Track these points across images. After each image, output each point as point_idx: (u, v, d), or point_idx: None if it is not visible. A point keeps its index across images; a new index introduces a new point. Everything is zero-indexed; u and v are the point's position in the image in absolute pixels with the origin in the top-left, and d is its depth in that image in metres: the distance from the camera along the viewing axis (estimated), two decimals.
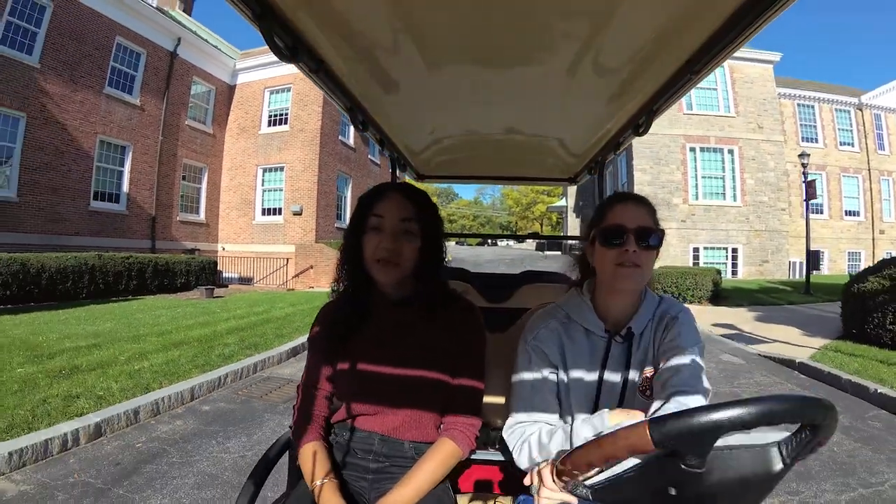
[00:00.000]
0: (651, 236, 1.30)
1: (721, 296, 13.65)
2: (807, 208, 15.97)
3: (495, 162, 2.72)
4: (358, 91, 1.63)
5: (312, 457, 1.35)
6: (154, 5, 18.17)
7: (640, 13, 1.08)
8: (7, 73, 13.25)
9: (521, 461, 1.30)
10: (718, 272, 14.26)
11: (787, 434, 0.83)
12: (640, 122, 1.73)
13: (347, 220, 1.64)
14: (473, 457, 1.67)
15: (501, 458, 1.75)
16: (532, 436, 1.28)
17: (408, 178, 2.92)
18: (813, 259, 14.93)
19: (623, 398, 1.33)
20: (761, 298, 13.50)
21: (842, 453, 3.77)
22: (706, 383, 1.23)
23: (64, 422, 3.81)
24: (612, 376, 1.34)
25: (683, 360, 1.26)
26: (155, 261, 14.12)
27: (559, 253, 34.08)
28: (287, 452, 1.55)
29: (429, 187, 71.72)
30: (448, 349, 1.45)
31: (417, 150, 2.44)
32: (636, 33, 1.17)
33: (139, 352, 6.01)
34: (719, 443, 0.76)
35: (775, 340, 8.13)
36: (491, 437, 1.82)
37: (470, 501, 1.67)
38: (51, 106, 14.36)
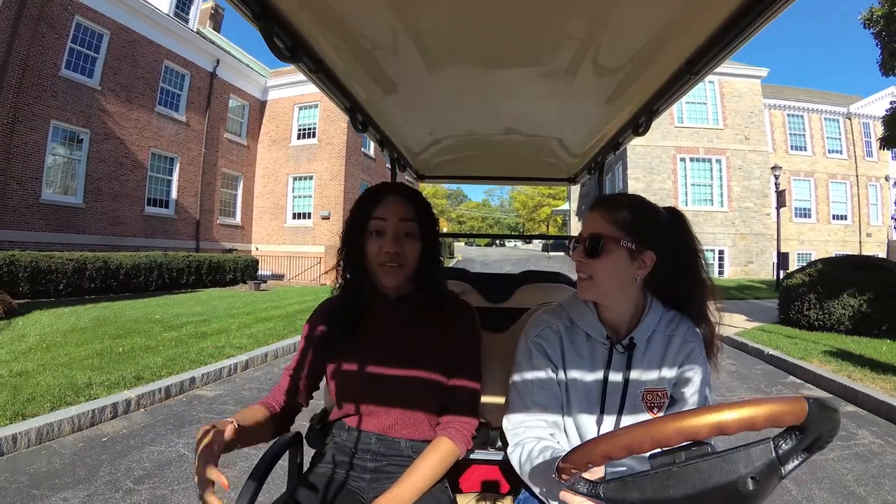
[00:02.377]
0: (598, 244, 1.27)
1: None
2: (778, 215, 17.96)
3: (495, 162, 2.74)
4: (358, 91, 1.63)
5: (248, 409, 1.38)
6: (194, 29, 20.25)
7: (640, 13, 1.08)
8: (73, 95, 15.21)
9: (513, 462, 1.31)
10: None
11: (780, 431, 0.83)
12: (640, 122, 1.72)
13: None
14: (474, 456, 1.68)
15: (502, 458, 1.73)
16: (527, 443, 1.28)
17: (408, 179, 2.94)
18: (783, 260, 16.76)
19: (623, 406, 1.31)
20: (733, 294, 15.38)
21: (720, 385, 5.80)
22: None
23: (223, 360, 5.95)
24: (614, 384, 1.32)
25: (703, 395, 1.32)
26: (209, 259, 16.24)
27: (562, 254, 35.92)
28: (287, 452, 1.54)
29: (439, 189, 73.20)
30: (444, 349, 1.45)
31: (417, 150, 2.44)
32: (636, 33, 1.17)
33: (242, 323, 8.16)
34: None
35: (719, 324, 10.02)
36: (491, 436, 1.82)
37: (470, 501, 1.67)
38: (110, 123, 16.36)
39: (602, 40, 1.21)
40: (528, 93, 1.62)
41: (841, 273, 8.61)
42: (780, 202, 17.58)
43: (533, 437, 1.29)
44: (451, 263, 24.34)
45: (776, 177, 17.95)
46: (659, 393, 1.31)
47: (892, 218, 13.04)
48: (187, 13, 20.19)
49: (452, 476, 1.66)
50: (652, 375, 1.32)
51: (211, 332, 7.40)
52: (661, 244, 1.30)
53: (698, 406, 1.26)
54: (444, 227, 64.15)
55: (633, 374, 1.31)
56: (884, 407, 4.74)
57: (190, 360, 5.73)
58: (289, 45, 1.18)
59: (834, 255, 13.40)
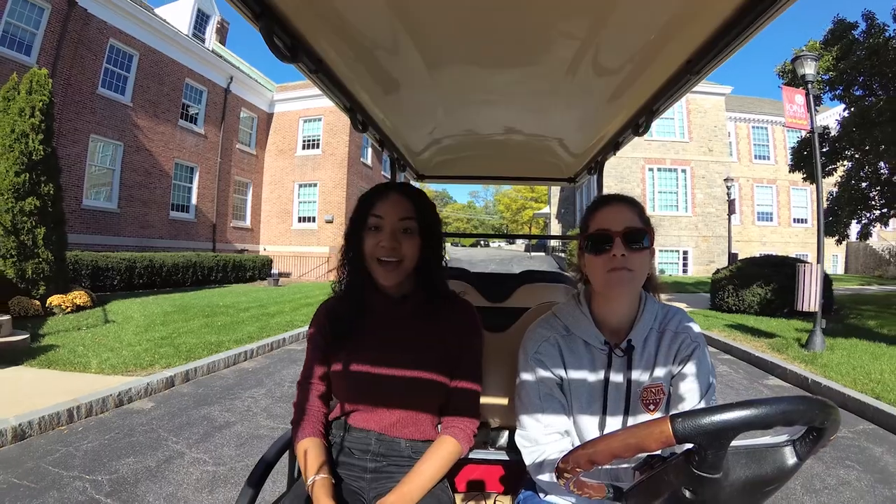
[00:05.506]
0: (642, 237, 1.28)
1: (652, 286, 17.83)
2: (729, 221, 20.74)
3: (495, 162, 2.76)
4: (358, 91, 1.63)
5: (307, 453, 1.37)
6: (210, 48, 22.25)
7: (640, 13, 1.09)
8: (109, 111, 17.09)
9: (539, 478, 1.33)
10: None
11: (802, 431, 0.85)
12: (640, 122, 1.72)
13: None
14: (474, 456, 1.73)
15: (501, 458, 1.76)
16: (552, 456, 1.31)
17: (407, 178, 2.98)
18: (733, 260, 19.30)
19: (627, 408, 1.33)
20: (687, 288, 17.90)
21: None
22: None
23: (296, 329, 8.25)
24: (616, 388, 1.33)
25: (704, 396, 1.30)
26: (233, 259, 18.45)
27: (543, 254, 38.40)
28: (287, 453, 1.57)
29: (426, 192, 74.65)
30: (445, 348, 1.47)
31: (417, 150, 2.46)
32: (636, 33, 1.18)
33: (292, 307, 10.43)
34: (736, 443, 0.79)
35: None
36: (490, 436, 1.85)
37: (469, 501, 1.69)
38: (140, 136, 18.27)
39: (602, 40, 1.22)
40: (528, 93, 1.63)
41: (754, 269, 11.14)
42: (731, 210, 20.30)
43: (557, 450, 1.31)
44: None
45: (728, 188, 20.62)
46: (654, 389, 1.32)
47: (824, 224, 15.40)
48: (204, 33, 22.28)
49: (451, 475, 1.64)
50: (649, 373, 1.33)
51: (273, 313, 9.70)
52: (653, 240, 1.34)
53: (699, 399, 1.30)
54: None
55: (635, 375, 1.32)
56: (746, 356, 7.33)
57: (273, 329, 8.04)
58: (288, 44, 1.18)
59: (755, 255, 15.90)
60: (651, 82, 1.45)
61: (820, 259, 7.60)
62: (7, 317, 6.85)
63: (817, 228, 8.06)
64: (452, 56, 1.37)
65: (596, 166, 2.57)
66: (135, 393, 5.16)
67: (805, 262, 8.73)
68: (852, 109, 11.64)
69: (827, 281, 11.74)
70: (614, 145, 2.10)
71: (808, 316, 9.69)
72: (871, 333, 8.52)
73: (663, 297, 1.47)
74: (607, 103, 1.67)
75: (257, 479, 1.37)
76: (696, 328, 1.37)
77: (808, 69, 8.08)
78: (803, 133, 28.86)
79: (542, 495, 1.39)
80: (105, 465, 3.64)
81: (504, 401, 1.79)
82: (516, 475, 1.54)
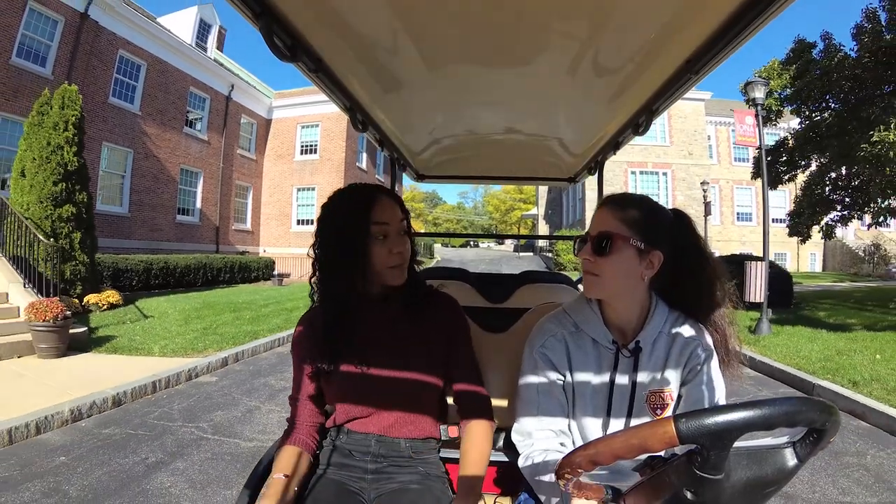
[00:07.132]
0: (609, 243, 1.26)
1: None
2: (705, 221, 22.15)
3: (495, 161, 2.79)
4: (357, 91, 1.64)
5: (281, 457, 1.39)
6: (212, 57, 23.16)
7: (640, 13, 1.09)
8: (119, 119, 17.88)
9: (525, 474, 1.34)
10: None
11: (802, 433, 0.85)
12: (640, 122, 1.73)
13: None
14: None
15: (501, 459, 1.76)
16: (536, 455, 1.31)
17: (407, 178, 3.02)
18: None
19: (631, 409, 1.33)
20: None
21: None
22: None
23: None
24: (621, 388, 1.33)
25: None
26: (239, 260, 19.45)
27: (531, 254, 39.60)
28: None
29: (416, 193, 75.37)
30: (436, 344, 1.47)
31: (417, 150, 2.47)
32: (636, 33, 1.18)
33: (305, 304, 11.30)
34: (737, 444, 0.78)
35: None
36: None
37: None
38: (149, 143, 19.09)
39: (602, 40, 1.22)
40: (527, 93, 1.63)
41: None
42: (707, 211, 21.75)
43: (541, 449, 1.32)
44: (431, 263, 27.57)
45: (704, 190, 22.02)
46: (662, 394, 1.32)
47: (786, 226, 16.68)
48: (206, 42, 23.09)
49: (452, 476, 1.60)
50: (657, 377, 1.33)
51: (291, 308, 10.83)
52: (668, 245, 1.30)
53: (706, 404, 1.29)
54: (422, 229, 66.93)
55: (640, 377, 1.32)
56: None
57: (296, 321, 9.05)
58: (288, 44, 1.18)
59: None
60: (651, 82, 1.46)
61: (765, 257, 8.88)
62: (69, 312, 7.92)
63: (763, 232, 9.35)
64: (452, 56, 1.38)
65: (596, 166, 2.62)
66: (200, 370, 6.30)
67: (756, 258, 9.98)
68: (806, 123, 12.93)
69: (786, 277, 13.16)
70: (614, 145, 2.13)
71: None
72: (817, 322, 9.86)
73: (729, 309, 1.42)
74: (607, 103, 1.69)
75: (256, 481, 1.38)
76: (707, 336, 1.36)
77: (758, 93, 9.38)
78: (781, 133, 30.46)
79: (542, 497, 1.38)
80: (201, 417, 4.80)
81: (504, 402, 1.74)
82: (516, 476, 1.51)
